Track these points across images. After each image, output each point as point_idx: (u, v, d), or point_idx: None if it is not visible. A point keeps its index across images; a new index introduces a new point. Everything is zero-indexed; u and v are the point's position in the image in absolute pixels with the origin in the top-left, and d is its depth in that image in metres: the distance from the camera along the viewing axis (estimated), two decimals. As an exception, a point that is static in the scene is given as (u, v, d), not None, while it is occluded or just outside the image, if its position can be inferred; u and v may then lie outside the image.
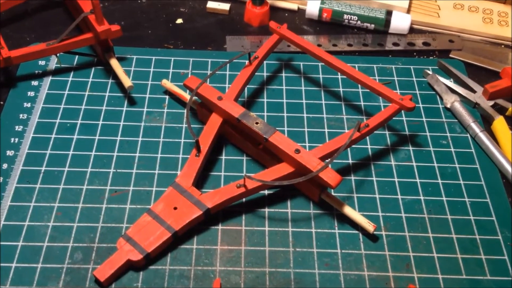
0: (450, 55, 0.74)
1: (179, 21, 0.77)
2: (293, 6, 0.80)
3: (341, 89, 0.68)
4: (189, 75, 0.67)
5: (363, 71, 0.70)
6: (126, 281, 0.50)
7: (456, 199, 0.58)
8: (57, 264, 0.51)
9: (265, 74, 0.70)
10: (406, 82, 0.70)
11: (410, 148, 0.62)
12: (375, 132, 0.62)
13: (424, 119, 0.66)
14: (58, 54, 0.66)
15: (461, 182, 0.60)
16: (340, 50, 0.74)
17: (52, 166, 0.58)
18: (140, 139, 0.62)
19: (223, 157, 0.61)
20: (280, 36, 0.68)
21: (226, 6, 0.78)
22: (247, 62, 0.65)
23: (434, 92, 0.69)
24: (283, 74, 0.70)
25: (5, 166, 0.58)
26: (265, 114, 0.65)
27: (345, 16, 0.76)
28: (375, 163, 0.61)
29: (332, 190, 0.57)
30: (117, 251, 0.51)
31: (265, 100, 0.67)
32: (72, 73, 0.68)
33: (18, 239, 0.53)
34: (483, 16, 0.78)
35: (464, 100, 0.67)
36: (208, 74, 0.65)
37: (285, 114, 0.65)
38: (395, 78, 0.70)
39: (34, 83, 0.67)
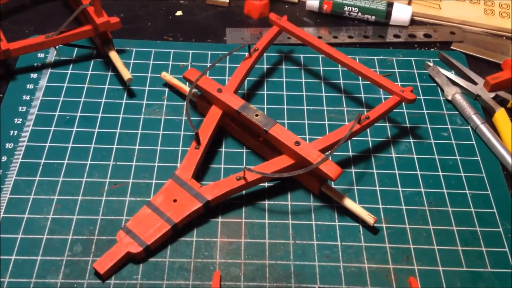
0: (451, 47, 0.73)
1: (179, 13, 0.77)
2: (294, -2, 0.79)
3: (341, 81, 0.68)
4: (189, 68, 0.66)
5: (363, 63, 0.69)
6: (126, 274, 0.50)
7: (456, 191, 0.58)
8: (57, 256, 0.51)
9: (265, 66, 0.70)
10: (407, 74, 0.69)
11: (411, 140, 0.62)
12: (375, 124, 0.62)
13: (425, 111, 0.65)
14: (57, 47, 0.66)
15: (462, 174, 0.59)
16: (340, 42, 0.73)
17: (51, 159, 0.58)
18: (139, 131, 0.61)
19: (223, 149, 0.60)
20: (280, 28, 0.68)
21: (226, -2, 0.78)
22: (247, 54, 0.64)
23: (435, 84, 0.69)
24: (283, 66, 0.70)
25: (4, 158, 0.58)
26: (265, 106, 0.65)
27: (346, 8, 0.76)
28: (375, 155, 0.61)
29: (332, 182, 0.57)
30: (117, 243, 0.51)
31: (265, 92, 0.66)
32: (71, 66, 0.68)
33: (18, 231, 0.52)
34: (484, 7, 0.78)
35: (465, 92, 0.67)
36: (208, 66, 0.65)
37: (285, 107, 0.65)
38: (396, 70, 0.70)
39: (33, 75, 0.66)
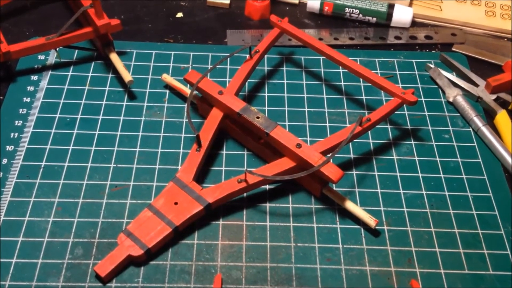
0: (453, 49, 0.73)
1: (179, 15, 0.77)
2: (294, -1, 0.79)
3: (342, 83, 0.68)
4: (190, 70, 0.66)
5: (364, 65, 0.69)
6: (127, 277, 0.50)
7: (458, 193, 0.58)
8: (58, 259, 0.51)
9: (266, 68, 0.69)
10: (408, 76, 0.69)
11: (412, 142, 0.62)
12: (377, 126, 0.61)
13: (426, 113, 0.65)
14: (57, 49, 0.66)
15: (464, 176, 0.59)
16: (341, 43, 0.73)
17: (52, 161, 0.58)
18: (140, 133, 0.61)
19: (224, 151, 0.60)
20: (281, 30, 0.68)
21: (226, 0, 0.78)
22: (247, 56, 0.64)
23: (436, 86, 0.68)
24: (284, 68, 0.70)
25: (4, 161, 0.58)
26: (266, 108, 0.65)
27: (347, 10, 0.75)
28: (377, 157, 0.60)
29: (334, 184, 0.57)
30: (118, 246, 0.51)
31: (266, 94, 0.66)
32: (71, 68, 0.68)
33: (18, 234, 0.52)
34: (485, 9, 0.78)
35: (466, 94, 0.67)
36: (209, 68, 0.65)
37: (286, 109, 0.65)
38: (397, 72, 0.70)
39: (34, 77, 0.66)
